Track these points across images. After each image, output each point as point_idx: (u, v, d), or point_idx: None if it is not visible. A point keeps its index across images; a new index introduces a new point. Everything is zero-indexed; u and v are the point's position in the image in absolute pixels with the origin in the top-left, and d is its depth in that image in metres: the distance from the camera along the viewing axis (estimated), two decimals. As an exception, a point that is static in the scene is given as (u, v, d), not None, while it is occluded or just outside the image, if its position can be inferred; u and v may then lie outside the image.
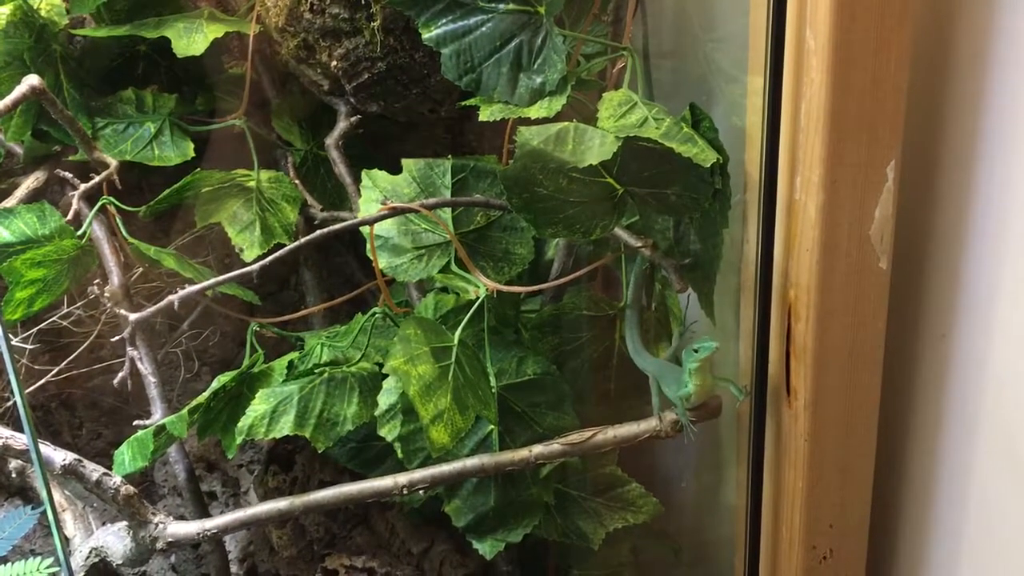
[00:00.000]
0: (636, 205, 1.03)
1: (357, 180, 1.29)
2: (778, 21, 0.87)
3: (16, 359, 1.43)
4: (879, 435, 0.99)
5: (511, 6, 1.06)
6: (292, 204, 1.33)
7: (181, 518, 1.31)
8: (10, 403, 1.45)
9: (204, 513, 1.30)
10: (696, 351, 1.01)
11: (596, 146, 0.93)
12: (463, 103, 1.14)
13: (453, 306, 1.21)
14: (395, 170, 1.23)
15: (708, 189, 0.99)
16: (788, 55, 0.88)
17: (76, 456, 1.10)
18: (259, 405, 1.12)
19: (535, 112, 1.07)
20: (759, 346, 1.01)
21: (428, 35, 1.08)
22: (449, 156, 1.24)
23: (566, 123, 0.97)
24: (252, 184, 1.33)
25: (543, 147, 0.95)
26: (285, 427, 1.10)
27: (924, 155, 0.93)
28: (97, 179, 1.23)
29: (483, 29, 1.07)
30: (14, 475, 1.38)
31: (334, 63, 1.28)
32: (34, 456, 0.97)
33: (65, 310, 1.37)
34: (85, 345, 1.38)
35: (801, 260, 0.91)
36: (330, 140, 1.35)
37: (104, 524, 1.27)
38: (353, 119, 1.35)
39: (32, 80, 1.13)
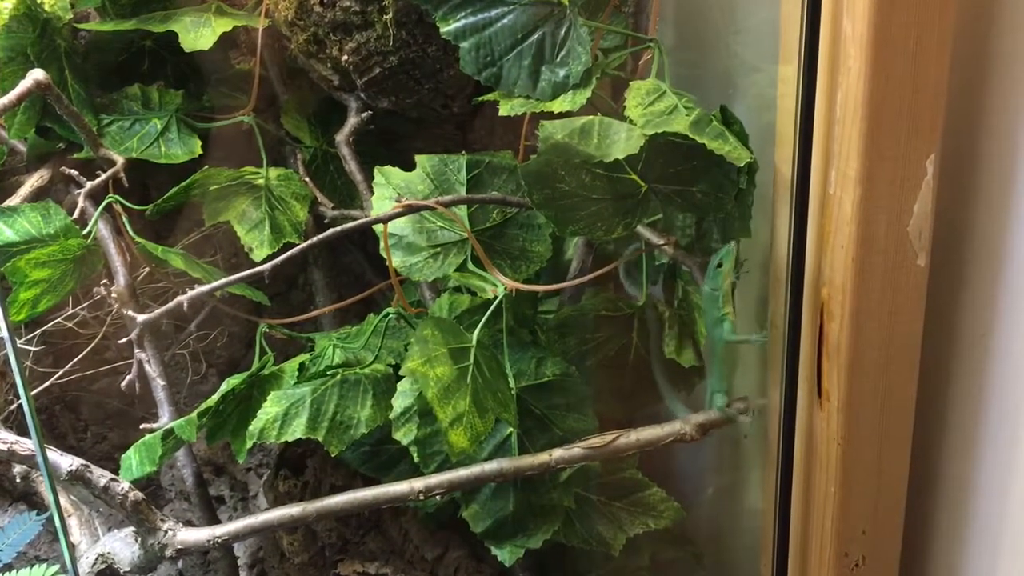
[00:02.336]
0: (660, 203, 1.00)
1: (368, 177, 1.26)
2: (813, 7, 0.84)
3: (20, 361, 1.41)
4: (914, 438, 0.96)
5: (534, -3, 1.04)
6: (302, 202, 1.31)
7: (189, 523, 1.29)
8: (14, 406, 1.42)
9: (213, 518, 1.27)
10: (720, 266, 0.97)
11: (622, 140, 0.91)
12: (481, 98, 1.11)
13: (468, 306, 1.18)
14: (406, 167, 1.20)
15: (734, 188, 0.96)
16: (823, 43, 0.85)
17: (83, 461, 1.07)
18: (271, 407, 1.09)
19: (558, 106, 1.04)
20: (789, 346, 0.98)
21: (447, 28, 1.06)
22: (463, 152, 1.21)
23: (591, 117, 0.94)
24: (261, 182, 1.31)
25: (567, 140, 0.92)
26: (298, 430, 1.07)
27: (964, 147, 0.90)
28: (103, 177, 1.20)
29: (504, 21, 1.05)
30: (18, 480, 1.35)
31: (345, 58, 1.25)
32: (41, 462, 0.94)
33: (70, 311, 1.35)
34: (90, 347, 1.35)
35: (835, 257, 0.88)
36: (340, 137, 1.32)
37: (110, 530, 1.25)
38: (364, 115, 1.32)
39: (37, 75, 1.11)
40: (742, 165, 0.91)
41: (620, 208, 0.99)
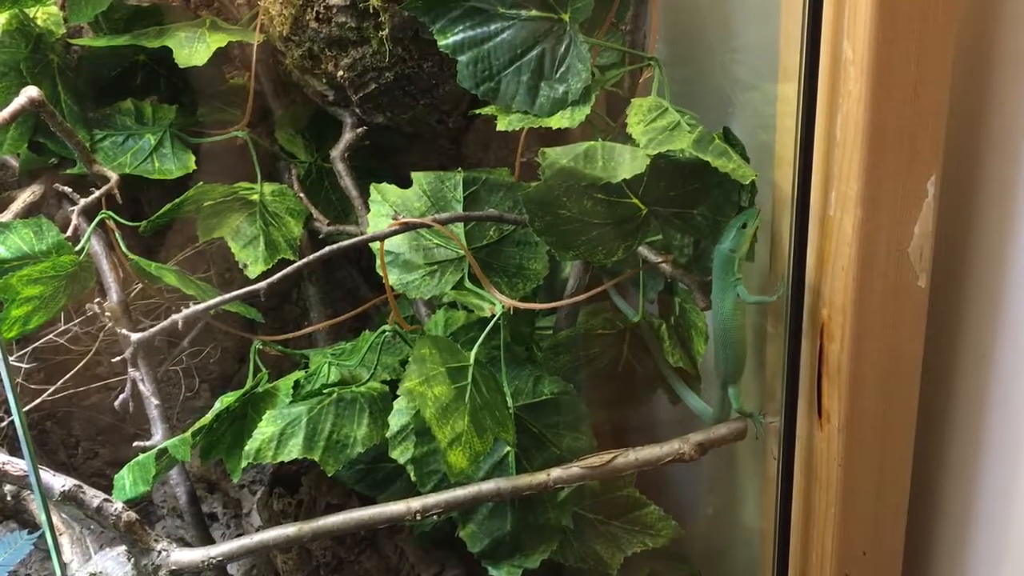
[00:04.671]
0: (660, 225, 0.99)
1: (363, 193, 1.26)
2: (813, 30, 0.84)
3: (13, 379, 1.39)
4: (914, 458, 0.96)
5: (533, 12, 1.03)
6: (296, 218, 1.30)
7: (181, 540, 1.28)
8: (4, 424, 1.41)
9: (207, 537, 1.26)
10: (744, 227, 0.94)
11: (627, 161, 0.90)
12: (476, 111, 1.11)
13: (464, 323, 1.17)
14: (399, 182, 1.19)
15: (734, 208, 0.96)
16: (823, 65, 0.85)
17: (76, 482, 1.06)
18: (266, 427, 1.08)
19: (556, 122, 1.04)
20: (789, 367, 0.97)
21: (444, 42, 1.05)
22: (459, 169, 1.20)
23: (592, 142, 0.94)
24: (255, 198, 1.30)
25: (572, 165, 0.92)
26: (294, 450, 1.06)
27: (965, 168, 0.90)
28: (97, 193, 1.19)
29: (503, 36, 1.04)
30: (9, 498, 1.33)
31: (340, 73, 1.24)
32: (34, 483, 0.93)
33: (62, 327, 1.34)
34: (83, 363, 1.34)
35: (835, 278, 0.88)
36: (335, 152, 1.32)
37: (102, 548, 1.24)
38: (359, 130, 1.31)
39: (31, 92, 1.10)
40: (746, 183, 0.90)
41: (620, 232, 0.99)
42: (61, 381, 1.34)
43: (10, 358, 1.31)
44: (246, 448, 1.07)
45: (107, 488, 1.10)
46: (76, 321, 1.33)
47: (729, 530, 1.33)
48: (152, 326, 1.20)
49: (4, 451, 1.18)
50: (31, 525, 1.32)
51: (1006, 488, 0.91)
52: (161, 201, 1.24)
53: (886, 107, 0.80)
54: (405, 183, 1.19)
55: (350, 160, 1.32)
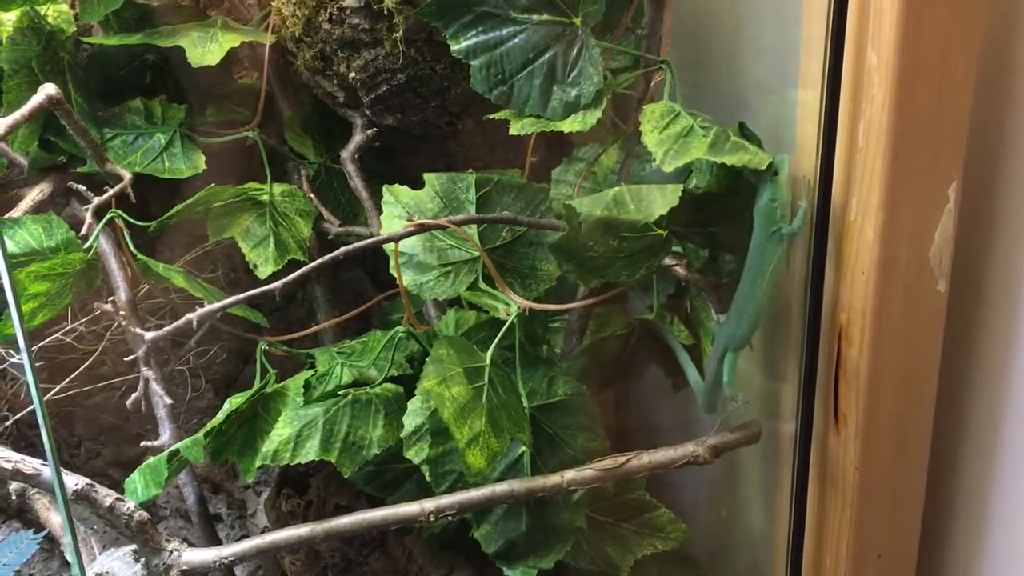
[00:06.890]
0: (679, 242, 1.00)
1: (372, 194, 1.26)
2: (837, 36, 0.85)
3: (18, 377, 1.39)
4: (930, 462, 0.96)
5: (545, 17, 1.04)
6: (306, 219, 1.30)
7: (185, 540, 1.27)
8: (9, 422, 1.40)
9: (214, 538, 1.26)
10: (776, 174, 0.91)
11: (658, 198, 0.90)
12: (493, 115, 1.11)
13: (475, 323, 1.18)
14: (405, 182, 1.19)
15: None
16: (847, 71, 0.85)
17: (88, 481, 1.05)
18: (283, 429, 1.08)
19: (568, 126, 1.05)
20: (806, 370, 0.98)
21: (457, 47, 1.06)
22: (470, 170, 1.20)
23: (617, 188, 0.94)
24: (265, 198, 1.29)
25: (607, 214, 0.92)
26: (311, 452, 1.06)
27: (984, 174, 0.90)
28: (112, 191, 1.18)
29: (516, 40, 1.05)
30: (13, 497, 1.32)
31: (352, 75, 1.24)
32: (56, 483, 0.92)
33: (68, 325, 1.33)
34: (88, 362, 1.34)
35: (855, 283, 0.89)
36: (346, 153, 1.32)
37: (106, 548, 1.23)
38: (370, 132, 1.31)
39: (49, 89, 1.09)
40: (763, 169, 0.90)
41: (643, 256, 0.99)
42: (67, 380, 1.34)
43: (15, 357, 1.31)
44: (263, 450, 1.07)
45: (110, 488, 1.10)
46: (83, 320, 1.33)
47: (740, 533, 1.33)
48: (158, 326, 1.20)
49: (8, 449, 1.17)
50: (35, 525, 1.31)
51: (1021, 493, 0.92)
52: (167, 201, 1.24)
53: (909, 113, 0.81)
54: (411, 184, 1.19)
55: (359, 162, 1.32)
